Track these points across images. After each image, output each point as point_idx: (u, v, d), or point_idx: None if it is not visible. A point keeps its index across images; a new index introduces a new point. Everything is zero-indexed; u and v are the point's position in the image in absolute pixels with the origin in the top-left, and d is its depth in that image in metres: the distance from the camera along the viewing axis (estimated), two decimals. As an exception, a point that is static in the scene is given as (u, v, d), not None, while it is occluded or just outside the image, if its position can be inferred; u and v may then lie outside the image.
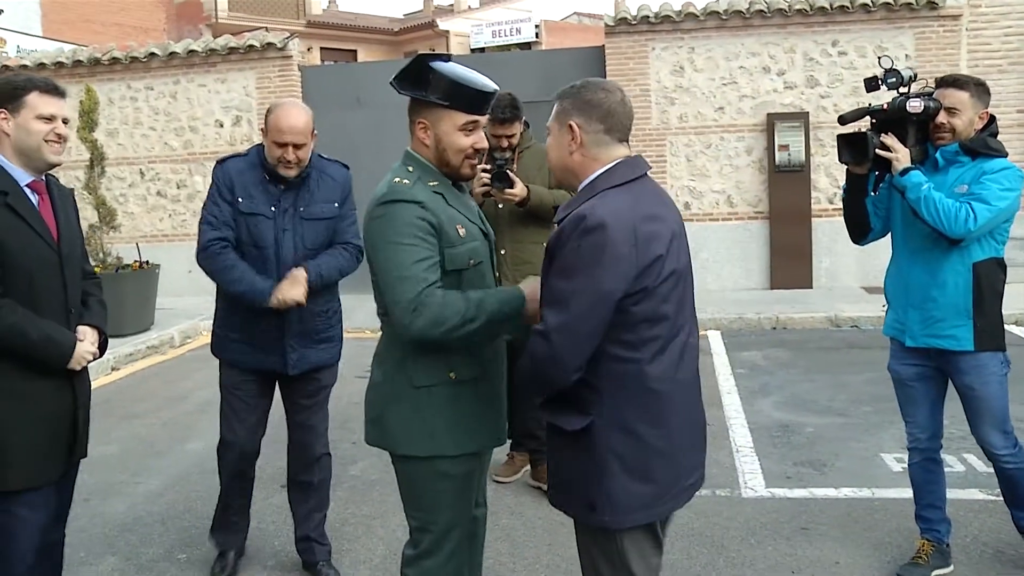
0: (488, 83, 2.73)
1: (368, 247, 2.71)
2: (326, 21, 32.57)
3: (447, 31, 32.94)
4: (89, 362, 3.18)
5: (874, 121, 3.73)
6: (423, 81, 2.70)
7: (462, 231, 2.72)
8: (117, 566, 4.28)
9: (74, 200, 3.35)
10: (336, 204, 3.95)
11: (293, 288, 3.72)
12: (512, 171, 4.72)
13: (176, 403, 7.56)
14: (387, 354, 2.80)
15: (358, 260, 3.94)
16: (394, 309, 2.59)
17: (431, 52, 2.79)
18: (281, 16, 28.89)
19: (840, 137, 3.75)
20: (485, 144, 2.81)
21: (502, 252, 4.74)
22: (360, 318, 10.65)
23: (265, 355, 3.87)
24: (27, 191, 3.07)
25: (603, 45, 11.79)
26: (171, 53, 12.28)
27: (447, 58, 2.78)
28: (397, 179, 2.71)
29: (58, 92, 3.08)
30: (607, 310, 2.30)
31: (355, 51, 32.47)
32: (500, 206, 4.78)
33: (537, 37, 28.84)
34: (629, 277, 2.29)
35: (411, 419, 2.73)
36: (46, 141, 3.03)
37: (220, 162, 3.93)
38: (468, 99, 2.69)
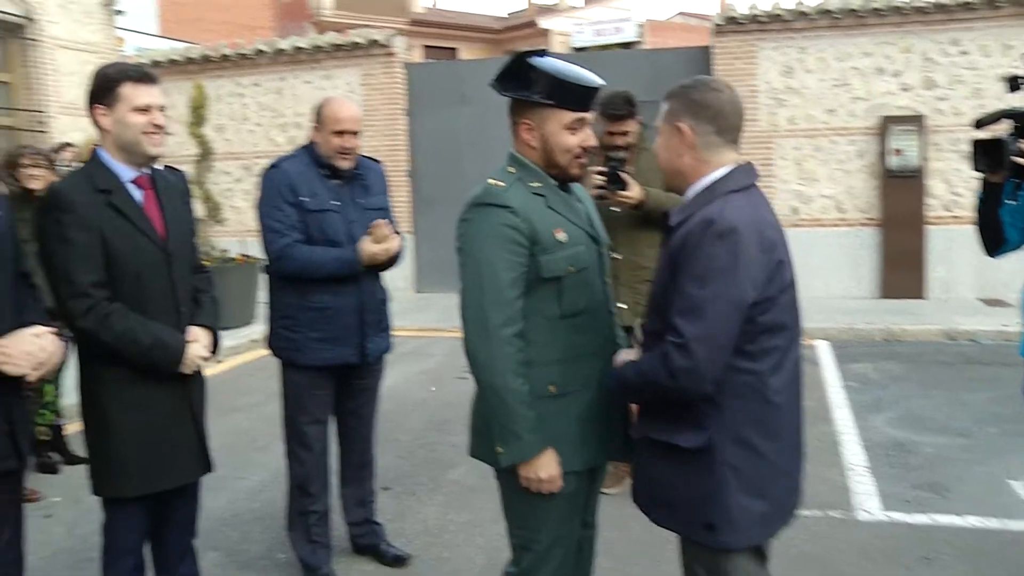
0: (593, 78, 2.60)
1: (457, 247, 2.62)
2: (429, 19, 32.78)
3: (549, 30, 32.82)
4: (200, 365, 3.13)
5: (1019, 125, 3.45)
6: (524, 80, 2.59)
7: (561, 236, 2.58)
8: (218, 562, 4.27)
9: (184, 190, 3.27)
10: (384, 195, 4.07)
11: (391, 240, 3.82)
12: (627, 172, 4.52)
13: (277, 398, 7.68)
14: None
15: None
16: (472, 326, 2.54)
17: (528, 49, 2.67)
18: (385, 14, 29.16)
19: (975, 143, 3.48)
20: (593, 142, 2.68)
21: (618, 257, 4.48)
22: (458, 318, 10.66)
23: (343, 348, 3.86)
24: (131, 187, 3.00)
25: (709, 45, 11.52)
26: (278, 50, 12.47)
27: (542, 53, 2.64)
28: (493, 181, 2.62)
29: (150, 79, 2.98)
30: (742, 317, 2.23)
31: (455, 49, 32.60)
32: (616, 209, 4.58)
33: (640, 37, 28.52)
34: (759, 283, 2.23)
35: None
36: (144, 133, 2.95)
37: (273, 165, 3.90)
38: (573, 96, 2.57)
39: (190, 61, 12.80)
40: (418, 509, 4.91)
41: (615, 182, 4.44)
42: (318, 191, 3.82)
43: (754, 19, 11.16)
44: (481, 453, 2.72)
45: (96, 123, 2.97)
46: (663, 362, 2.26)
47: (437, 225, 12.07)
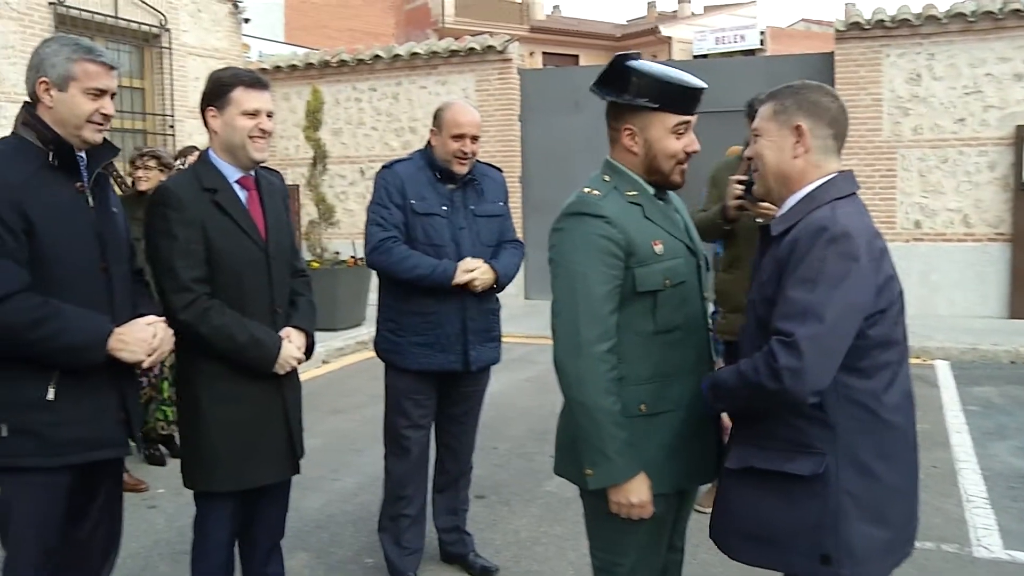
0: (695, 80, 2.49)
1: (549, 258, 2.51)
2: (549, 26, 32.86)
3: (670, 37, 32.51)
4: (293, 366, 3.15)
5: None
6: (625, 84, 2.48)
7: (659, 247, 2.45)
8: (307, 563, 4.28)
9: (286, 193, 3.32)
10: (501, 203, 4.00)
11: (485, 274, 3.78)
12: None
13: (380, 401, 7.72)
14: None
15: (522, 255, 4.02)
16: (563, 341, 2.42)
17: (624, 53, 2.57)
18: (505, 21, 29.34)
19: None
20: (697, 147, 2.55)
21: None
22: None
23: (446, 355, 3.80)
24: (236, 187, 3.07)
25: (832, 52, 11.14)
26: (395, 55, 12.62)
27: (637, 56, 2.54)
28: (587, 189, 2.51)
29: (261, 85, 3.05)
30: (855, 325, 2.12)
31: (576, 56, 32.55)
32: (761, 220, 4.32)
33: (762, 44, 27.93)
34: (872, 293, 2.14)
35: None
36: (250, 138, 3.00)
37: (387, 166, 3.93)
38: (678, 98, 2.45)
39: (310, 66, 13.08)
40: (511, 520, 4.83)
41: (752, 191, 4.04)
42: (427, 195, 3.81)
43: (879, 24, 10.73)
44: (568, 472, 2.60)
45: (207, 124, 3.06)
46: (766, 360, 2.11)
47: (547, 232, 11.93)
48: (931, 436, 6.12)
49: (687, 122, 2.49)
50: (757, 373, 2.14)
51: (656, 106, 2.46)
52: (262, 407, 3.10)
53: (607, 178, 2.54)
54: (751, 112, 4.29)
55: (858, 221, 2.17)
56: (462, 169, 3.83)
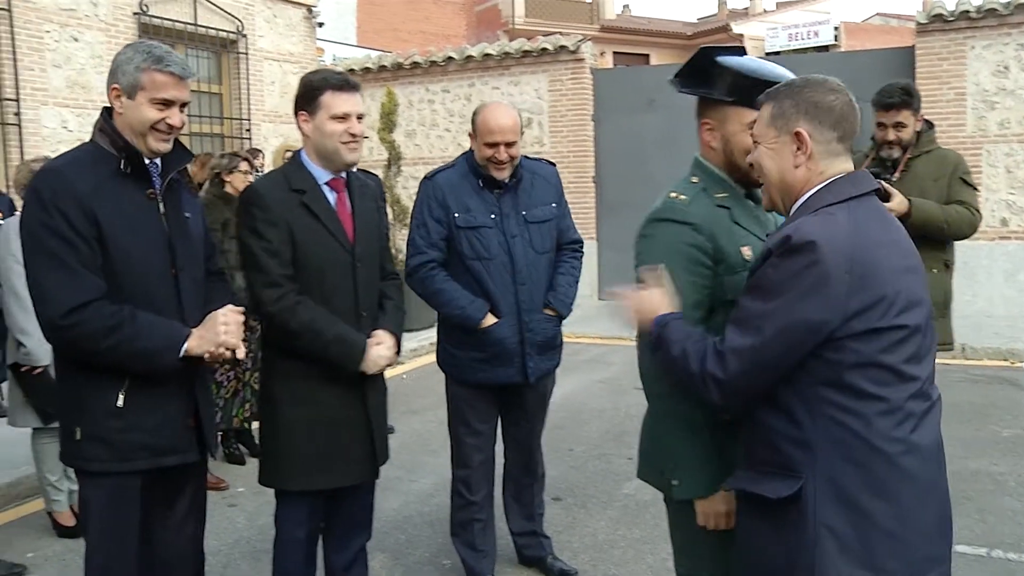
0: (782, 72, 2.34)
1: (635, 264, 2.43)
2: (619, 26, 32.66)
3: (741, 35, 32.03)
4: (382, 368, 3.12)
5: None
6: (708, 77, 2.40)
7: (748, 253, 2.34)
8: (385, 564, 4.28)
9: (379, 196, 3.31)
10: (554, 204, 3.83)
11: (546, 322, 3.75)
12: (888, 180, 4.00)
13: (454, 401, 7.81)
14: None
15: (582, 257, 3.92)
16: (649, 350, 2.30)
17: (716, 45, 2.48)
18: (575, 21, 29.24)
19: None
20: None
21: None
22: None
23: (504, 368, 3.74)
24: (325, 189, 3.07)
25: (912, 45, 10.82)
26: (467, 57, 12.64)
27: (740, 52, 2.43)
28: (674, 194, 2.40)
29: (350, 87, 3.03)
30: (802, 342, 1.90)
31: (647, 55, 32.31)
32: None
33: (836, 40, 27.38)
34: (841, 308, 1.88)
35: None
36: (341, 142, 3.00)
37: (428, 177, 3.81)
38: (752, 92, 2.29)
39: (383, 68, 13.17)
40: (588, 522, 4.77)
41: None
42: (472, 205, 3.68)
43: (964, 15, 10.39)
44: (651, 478, 2.52)
45: (299, 128, 3.07)
46: (701, 358, 2.03)
47: (621, 231, 11.88)
48: (1017, 442, 5.89)
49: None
50: (694, 361, 2.04)
51: (731, 99, 2.37)
52: (342, 409, 3.09)
53: (695, 179, 2.45)
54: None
55: (843, 229, 1.93)
56: (501, 175, 3.68)
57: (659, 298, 2.24)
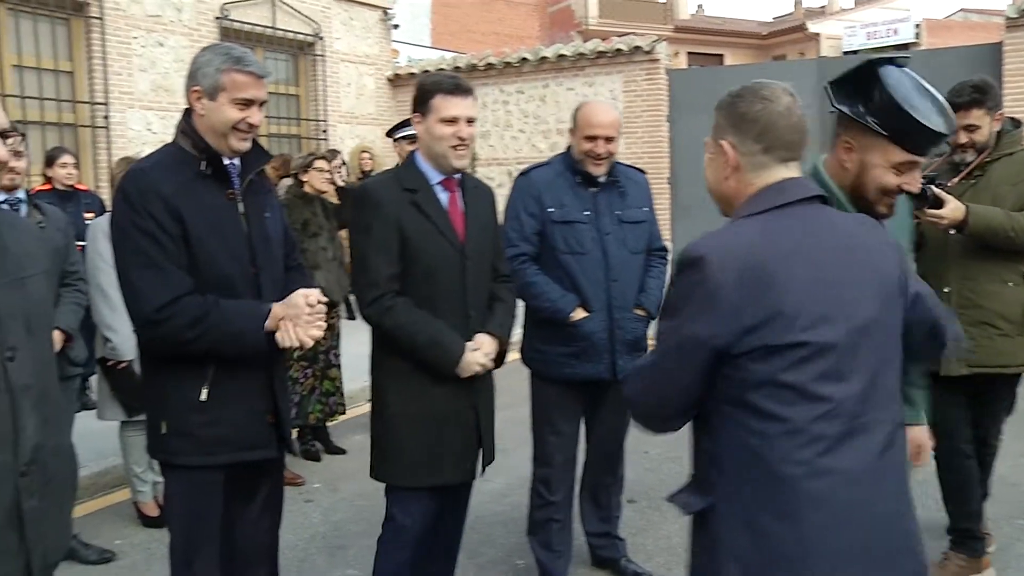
0: (939, 120, 2.23)
1: None
2: (693, 26, 32.41)
3: (818, 34, 31.53)
4: (478, 372, 3.10)
5: None
6: (865, 93, 2.28)
7: None
8: (459, 562, 4.27)
9: (492, 199, 3.33)
10: (646, 208, 3.87)
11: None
12: (943, 186, 3.70)
13: (527, 402, 7.78)
14: None
15: (667, 264, 3.91)
16: None
17: (883, 56, 2.32)
18: (649, 21, 29.08)
19: None
20: (916, 188, 2.38)
21: (945, 291, 3.71)
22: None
23: (593, 364, 3.74)
24: (437, 189, 3.09)
25: (1000, 42, 10.50)
26: (542, 58, 12.63)
27: (903, 62, 2.29)
28: None
29: (461, 91, 3.03)
30: (694, 359, 1.83)
31: (721, 56, 31.99)
32: (954, 232, 3.69)
33: (917, 38, 26.76)
34: (731, 323, 1.78)
35: None
36: (450, 146, 3.01)
37: (524, 173, 3.86)
38: (911, 135, 2.22)
39: (457, 69, 13.22)
40: (662, 525, 4.73)
41: (924, 198, 3.43)
42: (567, 201, 3.73)
43: (1055, 11, 10.06)
44: None
45: (415, 128, 3.12)
46: (624, 384, 2.05)
47: (695, 233, 11.55)
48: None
49: (914, 163, 2.29)
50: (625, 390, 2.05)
51: (885, 133, 2.26)
52: (449, 406, 3.09)
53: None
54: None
55: (744, 241, 1.85)
56: (597, 170, 3.72)
57: None
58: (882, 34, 27.88)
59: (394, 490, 3.17)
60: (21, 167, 4.26)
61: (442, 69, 13.26)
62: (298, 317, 2.69)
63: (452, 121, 2.99)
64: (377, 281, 2.98)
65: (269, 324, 2.68)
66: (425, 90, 3.04)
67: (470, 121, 3.04)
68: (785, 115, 1.93)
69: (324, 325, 2.77)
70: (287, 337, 2.68)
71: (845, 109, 2.31)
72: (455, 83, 3.03)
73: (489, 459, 3.25)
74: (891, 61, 2.28)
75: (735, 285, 1.79)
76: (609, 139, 3.68)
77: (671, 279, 1.94)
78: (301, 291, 2.73)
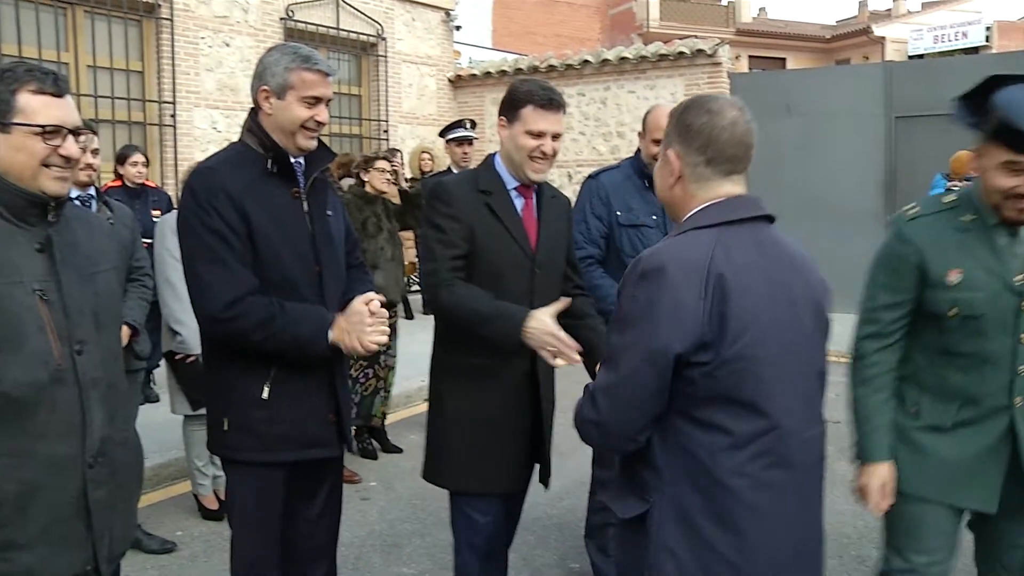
0: None
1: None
2: (755, 29, 32.10)
3: (883, 37, 31.03)
4: (548, 345, 2.80)
5: None
6: (981, 104, 2.41)
7: (954, 277, 2.47)
8: (513, 564, 4.22)
9: (568, 210, 3.30)
10: None
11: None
12: None
13: (582, 404, 7.87)
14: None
15: None
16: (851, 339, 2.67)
17: (1008, 75, 2.42)
18: (711, 24, 28.88)
19: None
20: None
21: None
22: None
23: None
24: (513, 194, 3.05)
25: (1076, 46, 10.22)
26: (603, 60, 12.58)
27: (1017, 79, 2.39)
28: (913, 205, 2.57)
29: (554, 106, 2.96)
30: (662, 369, 1.84)
31: (784, 59, 31.61)
32: None
33: (988, 41, 26.18)
34: (691, 333, 1.81)
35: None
36: (530, 157, 2.96)
37: (592, 176, 3.84)
38: (1006, 133, 2.32)
39: (518, 71, 13.23)
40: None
41: None
42: (635, 205, 3.70)
43: None
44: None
45: (498, 131, 3.06)
46: (579, 408, 2.00)
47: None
48: None
49: (1015, 162, 2.34)
50: (578, 415, 2.00)
51: (992, 136, 2.37)
52: (506, 413, 2.99)
53: (952, 199, 2.55)
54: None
55: (699, 253, 1.86)
56: None
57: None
58: (950, 37, 27.35)
59: (455, 498, 3.07)
60: (96, 164, 4.35)
61: (504, 71, 13.27)
62: (361, 324, 2.68)
63: (538, 135, 2.93)
64: (440, 267, 2.91)
65: (333, 335, 2.67)
66: (517, 98, 2.97)
67: (556, 137, 2.97)
68: (728, 128, 1.98)
69: (387, 329, 2.75)
70: (352, 348, 2.68)
71: (967, 120, 2.45)
72: (549, 97, 2.94)
73: (546, 473, 3.15)
74: (1013, 79, 2.39)
75: (697, 294, 1.82)
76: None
77: (623, 288, 1.94)
78: (361, 298, 2.72)
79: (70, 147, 2.03)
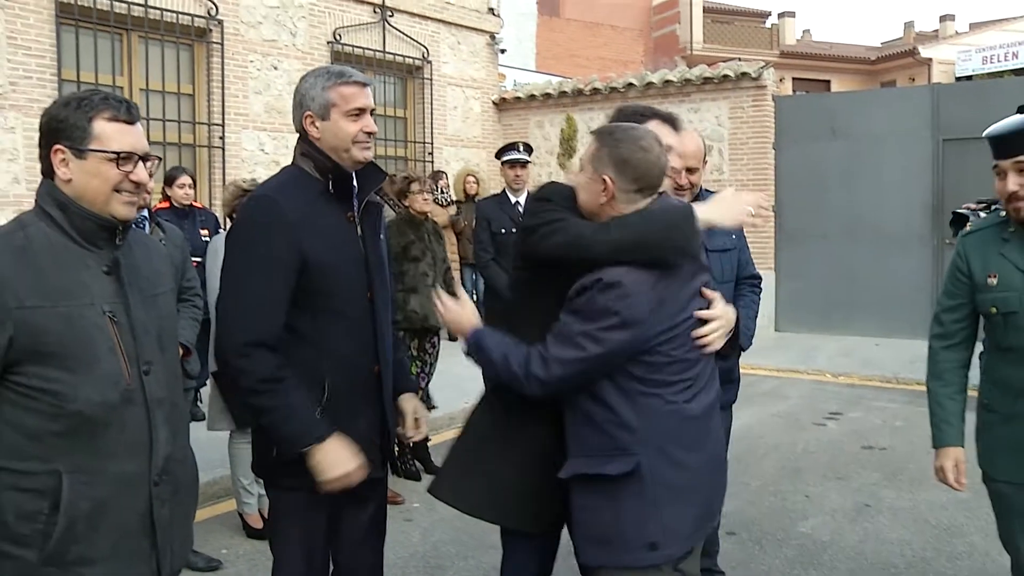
0: (995, 126, 2.84)
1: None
2: (800, 51, 31.94)
3: (929, 59, 30.73)
4: None
5: None
6: None
7: (992, 280, 2.84)
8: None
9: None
10: (734, 235, 3.79)
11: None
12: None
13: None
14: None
15: (761, 293, 3.96)
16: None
17: None
18: (754, 47, 28.81)
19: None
20: (1011, 189, 2.80)
21: None
22: (821, 361, 10.12)
23: None
24: None
25: None
26: (647, 83, 12.60)
27: None
28: (971, 221, 3.02)
29: (673, 122, 2.96)
30: (617, 360, 2.41)
31: (828, 81, 31.43)
32: None
33: (1039, 61, 25.83)
34: (648, 331, 2.39)
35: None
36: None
37: None
38: (992, 143, 2.82)
39: (563, 94, 13.29)
40: (763, 560, 4.64)
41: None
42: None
43: None
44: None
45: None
46: (525, 362, 2.45)
47: (800, 261, 11.60)
48: None
49: (997, 165, 2.82)
50: (511, 364, 2.48)
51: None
52: (541, 448, 2.70)
53: (1003, 213, 2.90)
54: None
55: (640, 273, 2.39)
56: (681, 196, 3.52)
57: (468, 313, 2.70)
58: (1000, 58, 27.03)
59: (504, 533, 2.88)
60: (150, 186, 4.44)
61: (548, 94, 13.33)
62: (343, 463, 2.61)
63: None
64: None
65: (314, 453, 2.57)
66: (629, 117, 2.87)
67: (691, 171, 3.30)
68: (656, 163, 2.47)
69: (364, 474, 2.67)
70: (331, 481, 2.61)
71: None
72: (671, 118, 2.98)
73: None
74: None
75: (650, 307, 2.37)
76: (691, 170, 3.55)
77: (587, 295, 2.39)
78: (358, 460, 2.64)
79: (140, 173, 2.10)
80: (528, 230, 2.66)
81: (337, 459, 2.59)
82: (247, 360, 2.53)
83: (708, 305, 2.57)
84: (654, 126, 2.83)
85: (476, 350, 2.63)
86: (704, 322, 2.52)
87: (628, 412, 2.40)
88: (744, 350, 3.67)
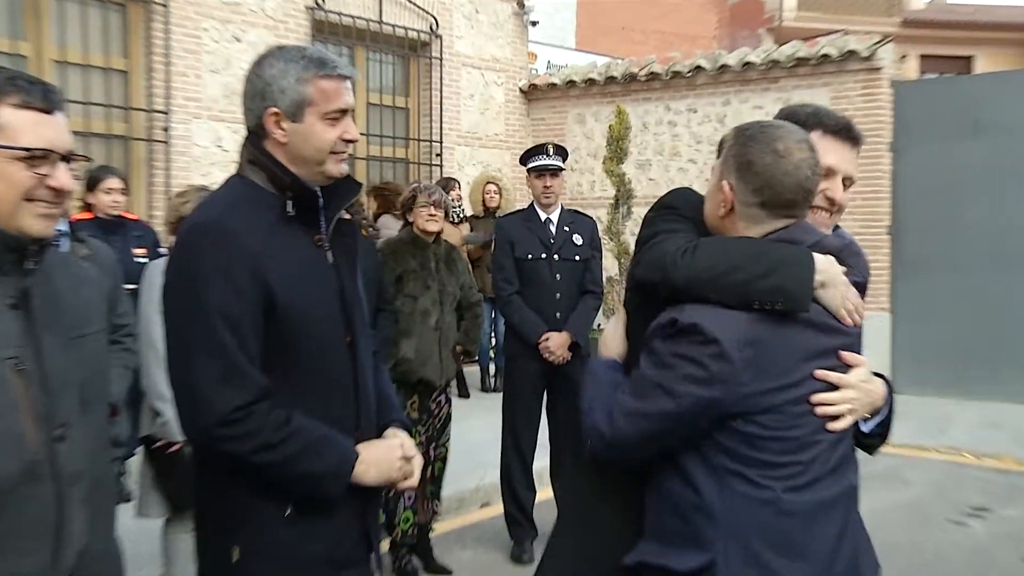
0: None
1: None
2: (931, 19, 31.73)
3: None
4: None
5: None
6: None
7: None
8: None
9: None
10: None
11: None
12: None
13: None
14: None
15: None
16: None
17: None
18: (866, 15, 28.72)
19: None
20: None
21: None
22: (957, 434, 9.94)
23: None
24: None
25: None
26: (722, 66, 12.58)
27: None
28: None
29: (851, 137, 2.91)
30: (694, 420, 2.38)
31: (969, 58, 31.25)
32: None
33: None
34: (734, 389, 2.35)
35: None
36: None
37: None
38: None
39: (610, 80, 13.29)
40: None
41: None
42: None
43: None
44: None
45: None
46: (606, 412, 2.49)
47: (925, 299, 11.50)
48: None
49: None
50: (593, 411, 2.53)
51: None
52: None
53: None
54: None
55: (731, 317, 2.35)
56: None
57: (616, 336, 2.76)
58: None
59: None
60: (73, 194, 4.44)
61: (591, 80, 13.35)
62: (392, 472, 2.75)
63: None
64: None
65: (356, 473, 2.66)
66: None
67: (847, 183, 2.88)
68: (792, 173, 2.39)
69: (415, 481, 2.84)
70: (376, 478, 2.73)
71: None
72: (843, 125, 2.84)
73: None
74: None
75: (740, 354, 2.32)
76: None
77: (663, 340, 2.41)
78: (389, 444, 2.78)
79: (62, 176, 2.08)
80: (637, 243, 2.79)
81: (380, 456, 2.74)
82: (241, 425, 2.48)
83: (845, 370, 2.49)
84: (816, 138, 2.67)
85: (588, 375, 2.72)
86: (833, 388, 2.44)
87: (712, 493, 2.38)
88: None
